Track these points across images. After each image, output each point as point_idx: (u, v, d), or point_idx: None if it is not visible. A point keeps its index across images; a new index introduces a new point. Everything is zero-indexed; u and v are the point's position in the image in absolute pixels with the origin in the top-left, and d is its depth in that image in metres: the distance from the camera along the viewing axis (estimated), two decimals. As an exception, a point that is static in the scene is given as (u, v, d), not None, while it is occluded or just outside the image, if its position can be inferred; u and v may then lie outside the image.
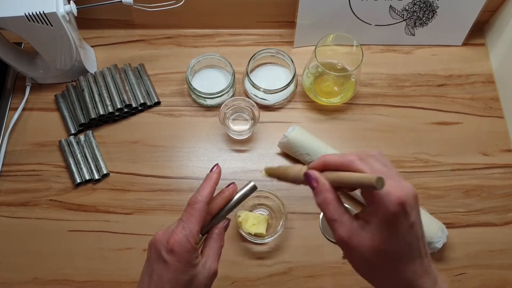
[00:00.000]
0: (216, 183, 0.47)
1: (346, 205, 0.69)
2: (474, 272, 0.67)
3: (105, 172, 0.72)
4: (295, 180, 0.42)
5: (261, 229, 0.65)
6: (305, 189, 0.70)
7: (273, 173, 0.45)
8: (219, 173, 0.48)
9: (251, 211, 0.69)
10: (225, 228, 0.48)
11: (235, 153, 0.75)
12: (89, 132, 0.75)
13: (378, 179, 0.33)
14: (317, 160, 0.39)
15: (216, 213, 0.48)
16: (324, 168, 0.39)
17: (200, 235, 0.46)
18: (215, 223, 0.48)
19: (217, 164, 0.49)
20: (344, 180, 0.37)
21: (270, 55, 0.77)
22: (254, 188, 0.48)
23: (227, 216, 0.49)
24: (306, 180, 0.39)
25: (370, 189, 0.34)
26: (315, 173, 0.39)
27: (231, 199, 0.48)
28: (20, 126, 0.76)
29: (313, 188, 0.38)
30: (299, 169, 0.41)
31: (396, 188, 0.34)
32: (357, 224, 0.37)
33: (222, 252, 0.66)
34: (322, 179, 0.38)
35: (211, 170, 0.48)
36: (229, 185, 0.49)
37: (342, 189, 0.40)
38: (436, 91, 0.79)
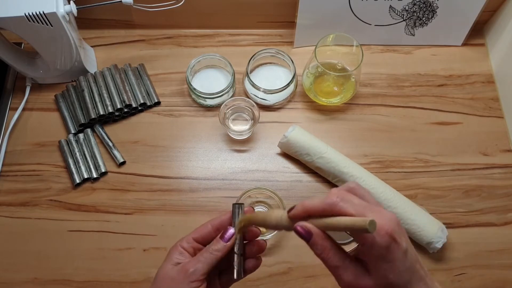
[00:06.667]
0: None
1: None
2: (474, 272, 0.67)
3: (103, 170, 0.72)
4: (276, 227, 0.40)
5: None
6: (305, 189, 0.71)
7: (250, 222, 0.43)
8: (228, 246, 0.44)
9: (251, 211, 0.69)
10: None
11: (235, 153, 0.75)
12: (88, 130, 0.75)
13: (371, 223, 0.32)
14: (298, 208, 0.38)
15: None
16: (306, 215, 0.38)
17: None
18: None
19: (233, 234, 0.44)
20: (334, 226, 0.36)
21: (270, 55, 0.77)
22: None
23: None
24: (298, 234, 0.38)
25: (363, 232, 0.34)
26: (306, 225, 0.37)
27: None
28: (20, 126, 0.76)
29: (307, 240, 0.38)
30: (279, 216, 0.40)
31: (380, 220, 0.35)
32: (358, 265, 0.38)
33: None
34: (315, 229, 0.37)
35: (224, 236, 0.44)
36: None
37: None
38: (436, 91, 0.79)
